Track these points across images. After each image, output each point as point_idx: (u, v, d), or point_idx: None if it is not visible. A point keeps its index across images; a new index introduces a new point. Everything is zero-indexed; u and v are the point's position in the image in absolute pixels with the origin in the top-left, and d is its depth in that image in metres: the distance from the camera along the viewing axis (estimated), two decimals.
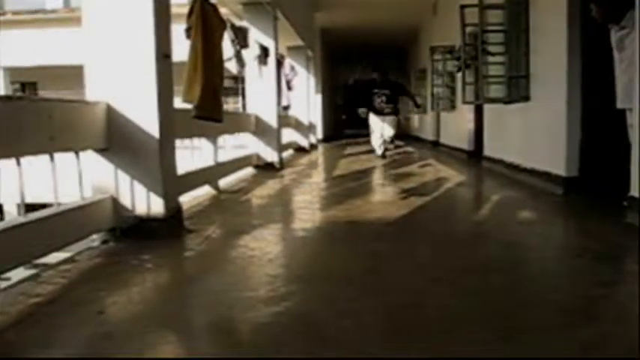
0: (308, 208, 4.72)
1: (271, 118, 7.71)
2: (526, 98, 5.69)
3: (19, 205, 2.79)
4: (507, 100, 6.07)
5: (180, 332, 2.02)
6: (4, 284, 2.48)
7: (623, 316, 2.02)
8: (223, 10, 5.92)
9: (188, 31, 4.18)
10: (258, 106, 7.71)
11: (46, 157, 2.78)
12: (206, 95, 4.16)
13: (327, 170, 8.51)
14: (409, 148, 12.23)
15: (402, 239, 3.44)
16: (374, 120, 9.02)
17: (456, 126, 9.99)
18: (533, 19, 5.60)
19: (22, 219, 2.56)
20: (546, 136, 5.24)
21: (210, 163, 5.40)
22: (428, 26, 13.52)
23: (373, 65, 9.72)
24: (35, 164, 2.84)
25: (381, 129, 8.98)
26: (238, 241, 3.32)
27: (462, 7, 6.66)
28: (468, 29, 6.77)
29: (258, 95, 7.76)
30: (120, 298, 2.30)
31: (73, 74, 6.85)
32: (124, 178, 3.25)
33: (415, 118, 17.09)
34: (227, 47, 5.54)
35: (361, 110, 9.00)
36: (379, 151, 9.15)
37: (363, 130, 11.27)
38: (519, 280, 2.51)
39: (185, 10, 4.26)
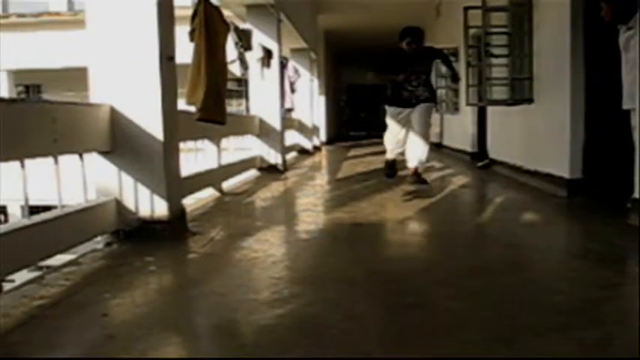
0: (311, 210, 4.72)
1: (275, 121, 7.71)
2: (530, 100, 5.69)
3: (23, 208, 2.80)
4: (511, 102, 6.07)
5: (183, 334, 2.02)
6: (8, 286, 2.49)
7: (624, 318, 2.01)
8: (227, 13, 5.94)
9: (192, 33, 4.19)
10: (262, 108, 7.72)
11: (50, 160, 2.79)
12: (209, 98, 4.16)
13: (330, 172, 8.50)
14: None
15: (405, 241, 3.44)
16: (395, 115, 5.27)
17: (460, 128, 9.97)
18: (536, 20, 5.59)
19: (26, 221, 2.57)
20: (550, 138, 5.23)
21: (214, 165, 5.41)
22: (431, 28, 13.48)
23: (403, 30, 5.24)
24: (39, 166, 2.85)
25: (402, 130, 5.27)
26: (242, 244, 3.32)
27: (466, 8, 6.65)
28: (471, 31, 6.77)
29: (262, 97, 7.76)
30: (124, 301, 2.30)
31: (77, 77, 6.87)
32: (128, 181, 3.26)
33: None
34: (231, 50, 5.54)
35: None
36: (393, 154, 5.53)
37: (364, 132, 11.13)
38: (522, 282, 2.50)
39: (189, 12, 4.28)
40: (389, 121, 5.40)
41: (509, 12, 6.07)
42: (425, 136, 5.10)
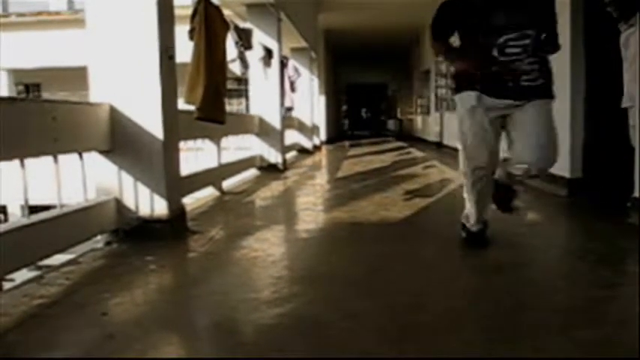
0: (311, 209, 4.71)
1: (275, 120, 7.72)
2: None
3: (22, 207, 2.79)
4: None
5: (183, 333, 2.02)
6: (8, 285, 2.49)
7: (624, 318, 2.01)
8: (227, 12, 5.93)
9: (191, 32, 4.19)
10: (262, 107, 7.72)
11: (49, 159, 2.79)
12: (208, 97, 4.16)
13: (330, 172, 8.50)
14: (412, 150, 12.22)
15: (405, 240, 3.43)
16: (475, 112, 2.80)
17: None
18: None
19: (26, 220, 2.57)
20: None
21: (214, 164, 5.41)
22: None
23: None
24: (39, 166, 2.85)
25: (491, 142, 2.87)
26: (242, 243, 3.32)
27: None
28: None
29: (262, 97, 7.77)
30: (123, 300, 2.30)
31: (77, 76, 6.88)
32: (128, 180, 3.26)
33: (418, 120, 17.03)
34: (231, 48, 5.54)
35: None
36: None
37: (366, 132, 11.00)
38: (521, 281, 2.50)
39: (189, 11, 4.28)
40: (463, 126, 2.87)
41: None
42: (550, 161, 3.05)
